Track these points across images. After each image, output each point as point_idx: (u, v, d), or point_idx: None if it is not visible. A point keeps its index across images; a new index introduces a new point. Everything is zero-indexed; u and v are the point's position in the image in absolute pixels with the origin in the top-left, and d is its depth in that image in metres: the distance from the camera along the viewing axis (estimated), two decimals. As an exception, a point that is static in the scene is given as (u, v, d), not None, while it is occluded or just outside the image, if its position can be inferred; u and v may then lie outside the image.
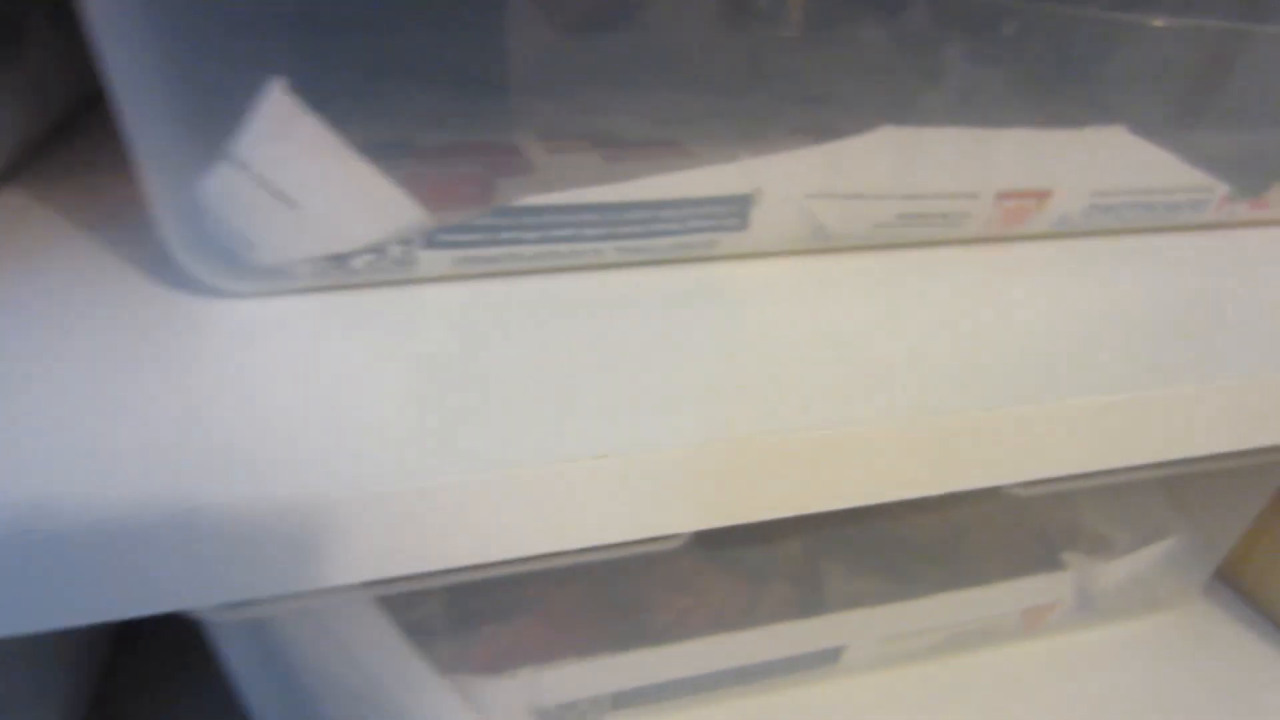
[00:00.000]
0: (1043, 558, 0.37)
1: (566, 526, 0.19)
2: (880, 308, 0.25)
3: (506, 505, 0.19)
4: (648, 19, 0.22)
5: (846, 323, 0.24)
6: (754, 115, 0.25)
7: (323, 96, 0.21)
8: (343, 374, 0.21)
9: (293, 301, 0.24)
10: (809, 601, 0.34)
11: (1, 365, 0.21)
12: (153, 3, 0.20)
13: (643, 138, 0.24)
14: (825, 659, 0.36)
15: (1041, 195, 0.28)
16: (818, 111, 0.26)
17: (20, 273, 0.25)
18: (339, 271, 0.24)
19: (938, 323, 0.24)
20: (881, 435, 0.20)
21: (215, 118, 0.21)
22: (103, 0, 0.19)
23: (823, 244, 0.27)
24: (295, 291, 0.24)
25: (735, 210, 0.25)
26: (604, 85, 0.23)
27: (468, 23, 0.22)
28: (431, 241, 0.24)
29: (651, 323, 0.23)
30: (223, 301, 0.24)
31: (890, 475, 0.21)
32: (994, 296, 0.26)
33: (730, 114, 0.24)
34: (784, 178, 0.25)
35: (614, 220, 0.24)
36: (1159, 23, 0.26)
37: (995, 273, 0.28)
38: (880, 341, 0.23)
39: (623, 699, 0.34)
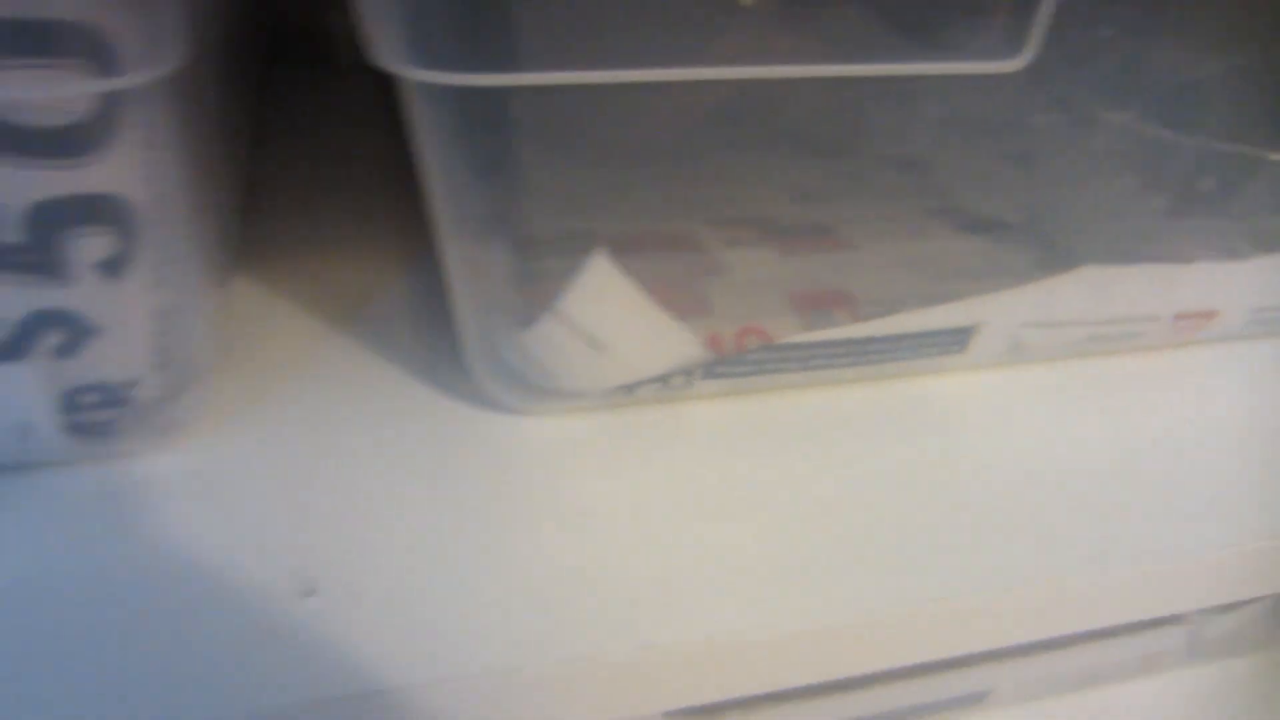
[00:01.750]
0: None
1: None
2: (1085, 421, 0.29)
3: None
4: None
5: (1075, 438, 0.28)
6: (989, 262, 0.28)
7: (634, 260, 0.25)
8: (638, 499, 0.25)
9: (578, 418, 0.27)
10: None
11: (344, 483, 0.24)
12: (498, 199, 0.23)
13: (896, 294, 0.28)
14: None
15: (1210, 314, 0.32)
16: (1032, 253, 0.29)
17: (307, 379, 0.28)
18: (625, 395, 0.27)
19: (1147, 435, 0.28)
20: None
21: (543, 279, 0.25)
22: (452, 184, 0.22)
23: (1016, 359, 0.31)
24: (580, 410, 0.28)
25: (958, 339, 0.29)
26: (869, 270, 0.27)
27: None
28: (709, 372, 0.27)
29: (890, 444, 0.27)
30: (512, 418, 0.27)
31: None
32: (1181, 402, 0.30)
33: (971, 263, 0.28)
34: (1003, 312, 0.29)
35: (860, 351, 0.28)
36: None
37: (1172, 380, 0.31)
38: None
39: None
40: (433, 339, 0.30)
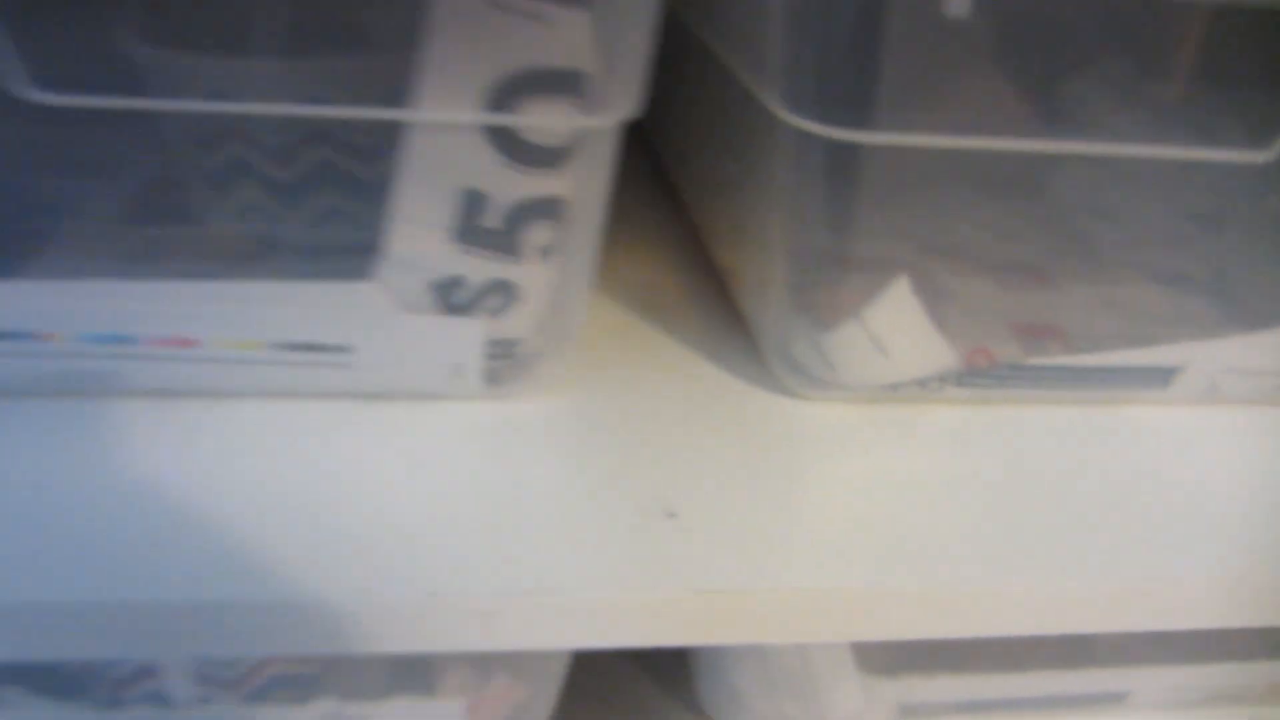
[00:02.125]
0: None
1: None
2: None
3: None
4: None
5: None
6: (1191, 312, 0.34)
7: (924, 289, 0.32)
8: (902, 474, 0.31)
9: (849, 406, 0.34)
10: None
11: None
12: (832, 228, 0.30)
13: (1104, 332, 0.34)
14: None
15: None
16: (1233, 307, 0.35)
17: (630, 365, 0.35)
18: (889, 392, 0.34)
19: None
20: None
21: (845, 292, 0.32)
22: (795, 214, 0.29)
23: (1215, 399, 0.37)
24: (851, 400, 0.34)
25: (1162, 377, 0.35)
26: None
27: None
28: (959, 381, 0.34)
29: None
30: (795, 400, 0.34)
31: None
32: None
33: (1176, 312, 0.34)
34: (1205, 358, 0.35)
35: (1072, 377, 0.34)
36: None
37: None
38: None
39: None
40: (719, 329, 0.37)
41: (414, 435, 0.31)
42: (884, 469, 0.31)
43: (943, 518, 0.29)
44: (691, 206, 0.44)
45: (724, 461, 0.31)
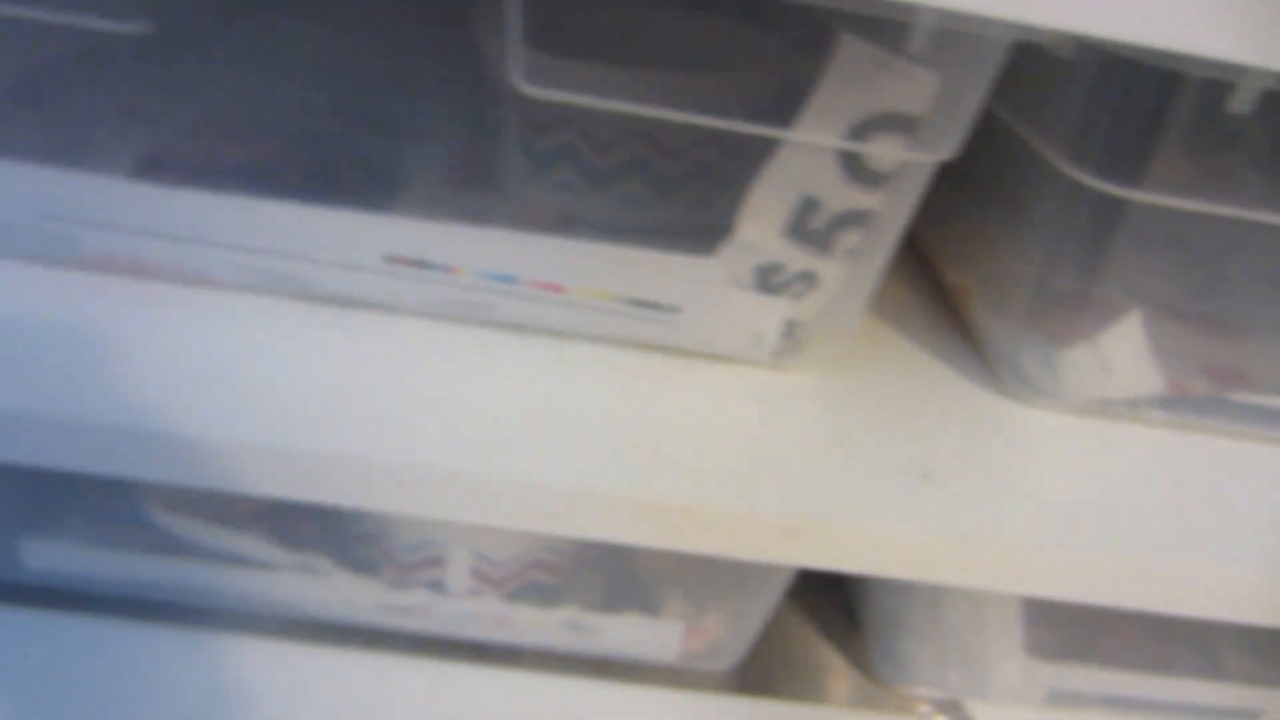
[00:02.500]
0: None
1: None
2: None
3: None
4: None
5: None
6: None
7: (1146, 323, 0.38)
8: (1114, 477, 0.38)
9: (1062, 415, 0.41)
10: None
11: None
12: (1080, 265, 0.37)
13: None
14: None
15: None
16: None
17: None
18: (1099, 405, 0.40)
19: None
20: None
21: (1083, 319, 0.38)
22: (1050, 252, 0.36)
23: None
24: (1063, 410, 0.41)
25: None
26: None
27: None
28: (1163, 405, 0.40)
29: None
30: (1018, 405, 0.41)
31: None
32: None
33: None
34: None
35: (1257, 414, 0.40)
36: None
37: None
38: None
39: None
40: (946, 337, 0.44)
41: (714, 389, 0.38)
42: (1091, 465, 0.38)
43: (1136, 509, 0.36)
44: (921, 234, 0.51)
45: (964, 440, 0.38)
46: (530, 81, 0.31)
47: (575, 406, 0.35)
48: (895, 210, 0.36)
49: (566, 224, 0.37)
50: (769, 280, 0.37)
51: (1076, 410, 0.41)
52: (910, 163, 0.34)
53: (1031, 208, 0.38)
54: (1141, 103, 0.32)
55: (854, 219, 0.35)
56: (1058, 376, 0.39)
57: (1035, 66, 0.33)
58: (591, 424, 0.35)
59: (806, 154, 0.34)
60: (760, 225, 0.35)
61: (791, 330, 0.38)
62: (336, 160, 0.36)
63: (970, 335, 0.44)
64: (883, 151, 0.33)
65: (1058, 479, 0.37)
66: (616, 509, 0.33)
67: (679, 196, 0.36)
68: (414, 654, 0.48)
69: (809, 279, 0.37)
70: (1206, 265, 0.39)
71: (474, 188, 0.37)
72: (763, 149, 0.34)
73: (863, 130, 0.33)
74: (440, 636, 0.47)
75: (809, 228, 0.36)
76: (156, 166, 0.35)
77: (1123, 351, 0.38)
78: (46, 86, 0.35)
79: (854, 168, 0.34)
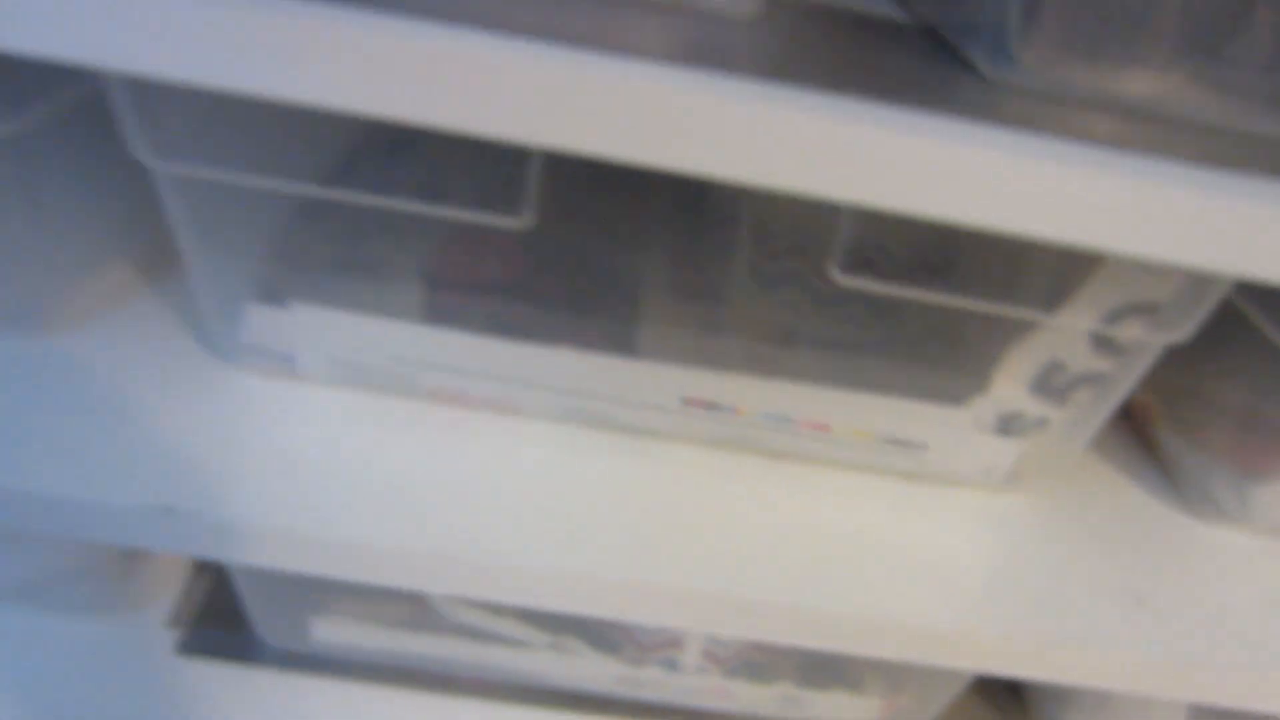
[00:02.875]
0: None
1: None
2: None
3: None
4: None
5: None
6: None
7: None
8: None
9: (1243, 532, 0.47)
10: None
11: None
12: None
13: None
14: None
15: None
16: None
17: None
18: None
19: None
20: None
21: (1271, 454, 0.44)
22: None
23: None
24: (1243, 528, 0.47)
25: None
26: None
27: None
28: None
29: None
30: (1198, 522, 0.47)
31: None
32: None
33: None
34: None
35: None
36: None
37: None
38: None
39: None
40: (1129, 452, 0.50)
41: (942, 510, 0.44)
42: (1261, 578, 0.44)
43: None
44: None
45: (1164, 563, 0.44)
46: (843, 271, 0.37)
47: (814, 525, 0.41)
48: (1128, 372, 0.42)
49: (839, 376, 0.43)
50: (1008, 425, 0.43)
51: (1259, 529, 0.47)
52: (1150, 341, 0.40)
53: (1234, 350, 0.44)
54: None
55: (1091, 379, 0.41)
56: (1247, 505, 0.45)
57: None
58: (826, 544, 0.41)
59: (1064, 331, 0.40)
60: (1010, 382, 0.42)
61: (1019, 462, 0.44)
62: (645, 318, 0.43)
63: (1151, 450, 0.50)
64: (1129, 333, 0.39)
65: (1251, 602, 0.43)
66: (852, 627, 0.39)
67: (939, 358, 0.42)
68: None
69: (1042, 423, 0.43)
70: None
71: (765, 342, 0.43)
72: (1016, 322, 0.40)
73: (1116, 315, 0.39)
74: (668, 705, 0.54)
75: (1051, 384, 0.42)
76: (494, 323, 0.42)
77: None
78: (415, 261, 0.42)
79: (1101, 342, 0.40)
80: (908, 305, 0.40)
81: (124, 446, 0.38)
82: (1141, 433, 0.51)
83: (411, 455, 0.41)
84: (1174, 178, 0.27)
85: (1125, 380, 0.41)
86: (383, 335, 0.41)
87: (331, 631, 0.51)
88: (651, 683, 0.52)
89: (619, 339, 0.43)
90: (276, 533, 0.37)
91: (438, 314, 0.42)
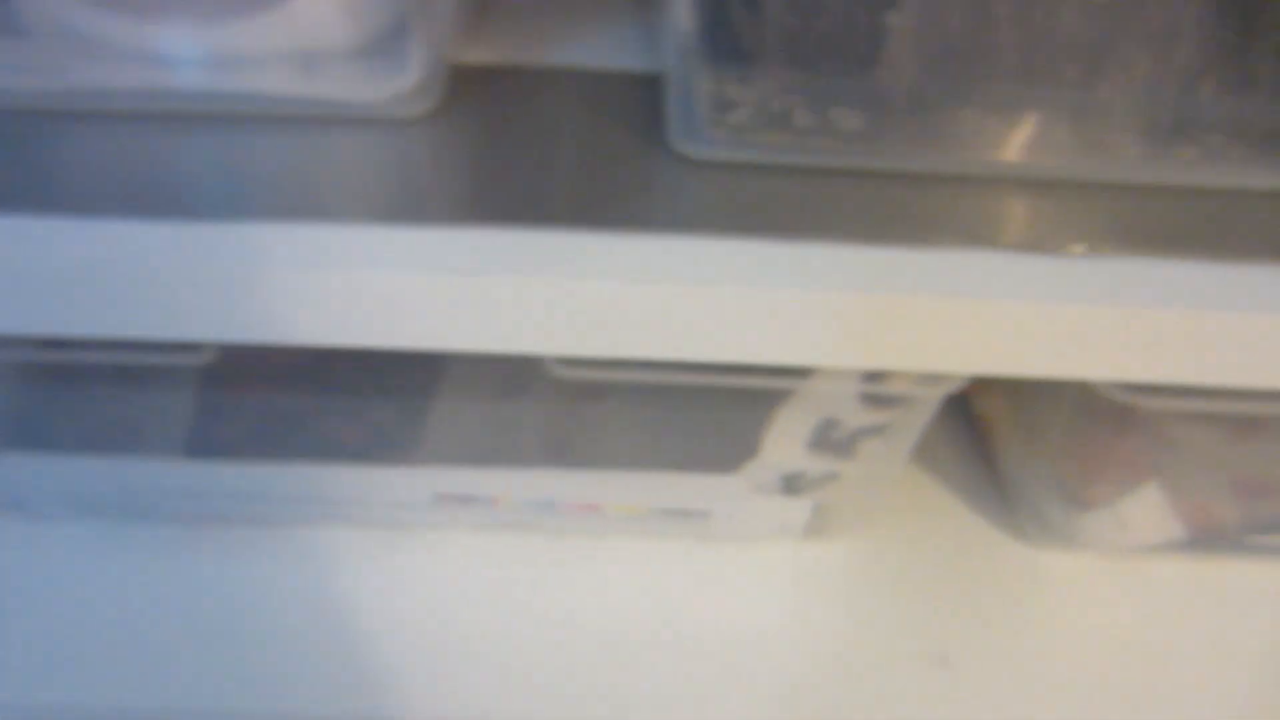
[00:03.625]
0: None
1: None
2: None
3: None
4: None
5: None
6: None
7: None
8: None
9: (1084, 558, 0.43)
10: None
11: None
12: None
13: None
14: None
15: None
16: None
17: None
18: (1121, 550, 0.42)
19: None
20: None
21: (1105, 490, 0.40)
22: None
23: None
24: (1086, 552, 0.43)
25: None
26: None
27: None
28: (1184, 548, 0.42)
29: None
30: (1040, 550, 0.43)
31: None
32: None
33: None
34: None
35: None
36: None
37: None
38: None
39: None
40: (976, 481, 0.46)
41: (741, 569, 0.40)
42: (1118, 623, 0.40)
43: (1159, 669, 0.38)
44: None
45: (980, 608, 0.40)
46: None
47: (592, 609, 0.38)
48: (913, 418, 0.37)
49: (599, 458, 0.39)
50: (793, 484, 0.39)
51: (1099, 554, 0.42)
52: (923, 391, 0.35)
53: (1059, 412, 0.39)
54: None
55: (872, 431, 0.37)
56: (1076, 534, 0.41)
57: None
58: (605, 635, 0.37)
59: (829, 392, 0.35)
60: (783, 445, 0.37)
61: (818, 513, 0.40)
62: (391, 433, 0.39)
63: (991, 465, 0.46)
64: (896, 388, 0.35)
65: (1079, 643, 0.39)
66: None
67: (701, 430, 0.38)
68: None
69: (832, 477, 0.39)
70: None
71: (504, 438, 0.39)
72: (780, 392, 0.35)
73: (877, 374, 0.34)
74: None
75: (829, 440, 0.37)
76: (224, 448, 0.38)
77: (1142, 515, 0.39)
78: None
79: (869, 398, 0.35)
80: (652, 389, 0.35)
81: None
82: (986, 449, 0.47)
83: (158, 586, 0.38)
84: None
85: (914, 425, 0.37)
86: (118, 472, 0.38)
87: None
88: None
89: (367, 444, 0.39)
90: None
91: (177, 445, 0.38)
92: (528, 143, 0.27)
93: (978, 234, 0.26)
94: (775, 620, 0.38)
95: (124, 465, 0.38)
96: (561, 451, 0.38)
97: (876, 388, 0.34)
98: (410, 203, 0.25)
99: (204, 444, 0.38)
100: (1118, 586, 0.41)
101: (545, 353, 0.26)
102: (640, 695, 0.36)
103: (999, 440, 0.45)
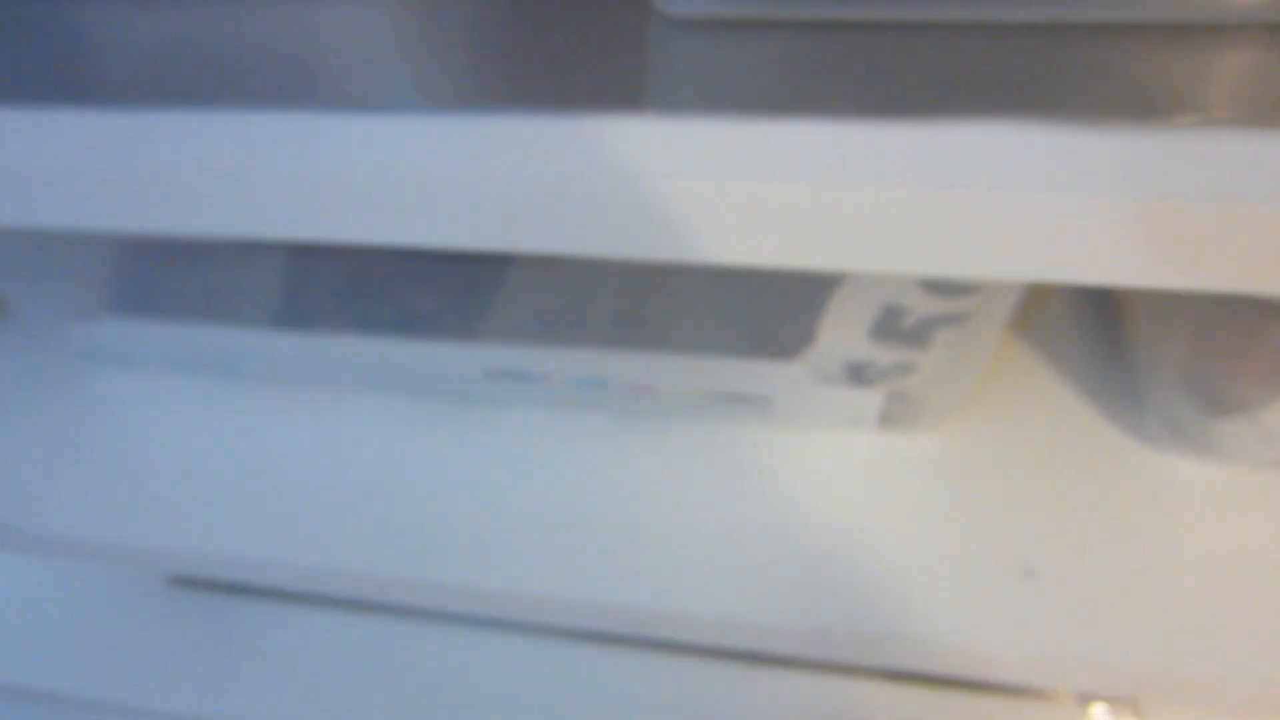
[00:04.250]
0: None
1: None
2: None
3: None
4: None
5: None
6: None
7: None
8: None
9: (1217, 466, 0.36)
10: None
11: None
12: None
13: None
14: None
15: None
16: None
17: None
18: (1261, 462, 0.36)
19: None
20: None
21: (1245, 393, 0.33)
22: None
23: None
24: (1218, 460, 0.36)
25: None
26: None
27: None
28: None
29: None
30: (1163, 456, 0.37)
31: None
32: None
33: None
34: None
35: None
36: None
37: None
38: None
39: None
40: (1104, 376, 0.40)
41: (804, 462, 0.37)
42: (1246, 547, 0.34)
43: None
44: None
45: (1086, 518, 0.35)
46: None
47: (652, 494, 0.37)
48: (995, 307, 0.32)
49: (651, 339, 0.36)
50: (860, 374, 0.35)
51: (1231, 465, 0.36)
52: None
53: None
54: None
55: (946, 320, 0.32)
56: (1212, 444, 0.35)
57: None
58: (661, 518, 0.36)
59: (881, 276, 0.31)
60: (841, 332, 0.33)
61: (895, 404, 0.37)
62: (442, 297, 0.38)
63: (1118, 352, 0.40)
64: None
65: (1193, 570, 0.34)
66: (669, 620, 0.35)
67: (753, 314, 0.35)
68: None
69: (906, 368, 0.35)
70: None
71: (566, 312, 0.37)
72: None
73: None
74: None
75: (896, 329, 0.33)
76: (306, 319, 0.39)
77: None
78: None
79: (928, 285, 0.31)
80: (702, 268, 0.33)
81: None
82: (1112, 329, 0.41)
83: (245, 440, 0.40)
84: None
85: (998, 312, 0.32)
86: (206, 337, 0.40)
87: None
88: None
89: (417, 320, 0.39)
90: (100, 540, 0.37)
91: (258, 314, 0.40)
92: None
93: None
94: (842, 515, 0.36)
95: (214, 330, 0.40)
96: (614, 331, 0.36)
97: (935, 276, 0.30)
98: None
99: (283, 314, 0.40)
100: (1252, 505, 0.35)
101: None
102: (686, 583, 0.35)
103: (1129, 324, 0.39)
